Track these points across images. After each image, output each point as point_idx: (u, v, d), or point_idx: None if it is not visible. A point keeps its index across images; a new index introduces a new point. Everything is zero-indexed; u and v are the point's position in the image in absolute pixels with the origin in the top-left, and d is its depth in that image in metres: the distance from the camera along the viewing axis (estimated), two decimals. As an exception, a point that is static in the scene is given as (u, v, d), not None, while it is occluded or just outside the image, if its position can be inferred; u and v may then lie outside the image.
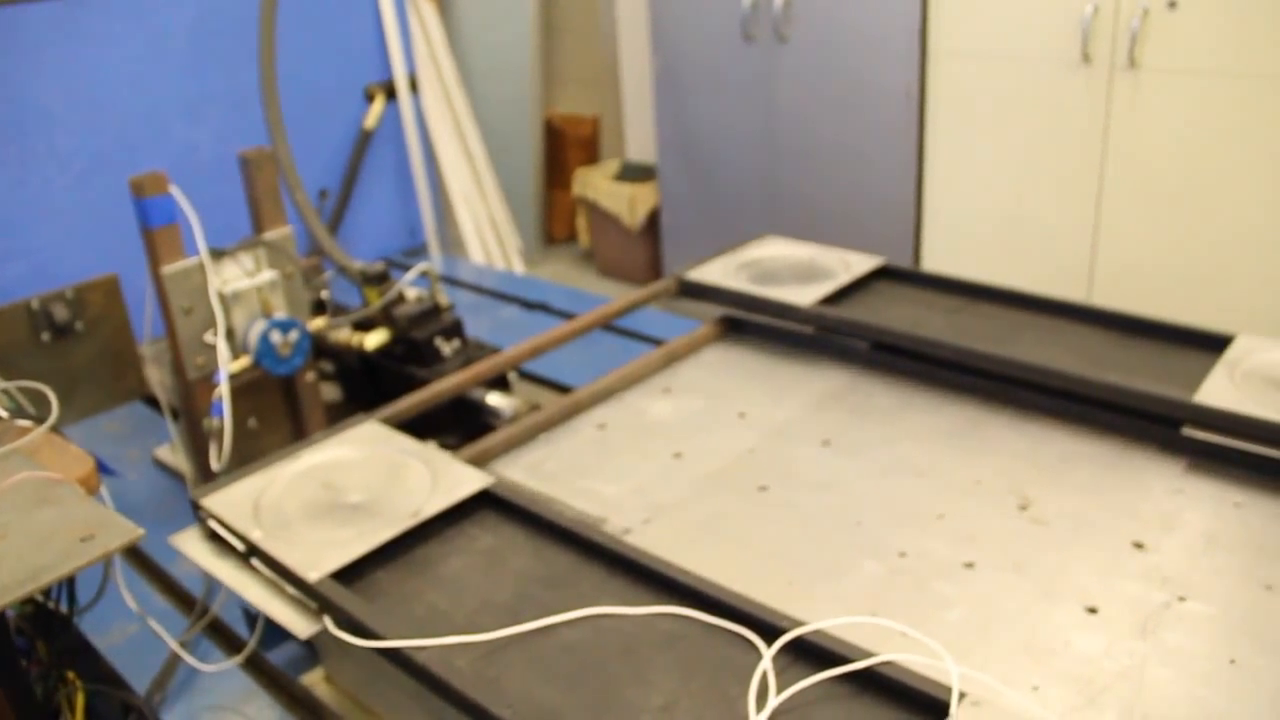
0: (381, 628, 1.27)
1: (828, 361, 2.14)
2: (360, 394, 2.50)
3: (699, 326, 2.30)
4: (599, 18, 5.11)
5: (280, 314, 2.11)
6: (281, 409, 2.23)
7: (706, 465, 1.82)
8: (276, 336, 2.07)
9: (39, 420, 1.52)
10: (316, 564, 1.38)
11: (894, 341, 2.03)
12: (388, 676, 1.38)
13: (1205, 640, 1.34)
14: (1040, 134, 3.32)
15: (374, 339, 2.36)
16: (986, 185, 3.51)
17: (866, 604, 1.44)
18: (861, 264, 2.29)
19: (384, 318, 2.38)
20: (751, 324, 2.28)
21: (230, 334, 2.06)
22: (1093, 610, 1.41)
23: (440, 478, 1.56)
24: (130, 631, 1.86)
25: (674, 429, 1.94)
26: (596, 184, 4.97)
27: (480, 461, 1.84)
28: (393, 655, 1.25)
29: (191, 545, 1.52)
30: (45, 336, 2.45)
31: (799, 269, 2.30)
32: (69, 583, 1.50)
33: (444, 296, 2.45)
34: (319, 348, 2.35)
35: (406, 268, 2.54)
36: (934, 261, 3.71)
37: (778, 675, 1.17)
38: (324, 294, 2.46)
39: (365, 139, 3.78)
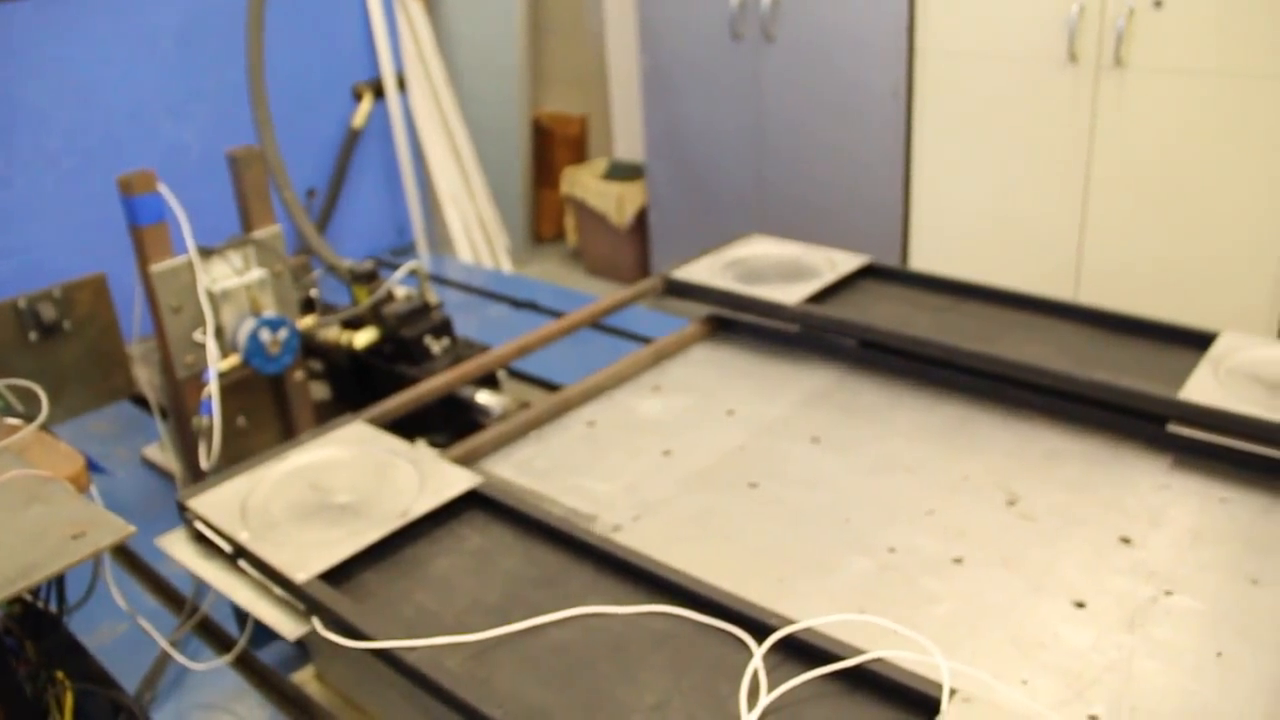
0: (371, 629, 1.26)
1: (816, 359, 2.15)
2: (349, 392, 2.49)
3: (687, 325, 2.31)
4: (587, 17, 5.12)
5: (269, 312, 2.11)
6: (270, 408, 2.23)
7: (696, 462, 1.82)
8: (266, 335, 2.07)
9: (28, 419, 1.52)
10: (304, 565, 1.38)
11: (882, 340, 2.04)
12: (378, 675, 1.38)
13: (1192, 634, 1.35)
14: (1027, 133, 3.34)
15: (363, 337, 2.36)
16: (974, 184, 3.53)
17: (856, 600, 1.45)
18: (847, 262, 2.30)
19: (373, 316, 2.38)
20: (740, 322, 2.29)
21: (219, 332, 2.06)
22: (1080, 605, 1.42)
23: (428, 478, 1.56)
24: (120, 630, 1.85)
25: (663, 426, 1.95)
26: (584, 183, 4.98)
27: (470, 459, 1.84)
28: (383, 656, 1.25)
29: (178, 547, 1.51)
30: (32, 336, 2.44)
31: (785, 268, 2.31)
32: (58, 582, 1.50)
33: (433, 295, 2.45)
34: (308, 346, 2.35)
35: (394, 267, 2.54)
36: (922, 260, 3.73)
37: (769, 673, 1.17)
38: (313, 292, 2.45)
39: (353, 138, 3.77)
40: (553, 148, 5.35)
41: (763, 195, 4.12)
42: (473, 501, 1.55)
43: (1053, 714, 1.23)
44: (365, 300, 2.37)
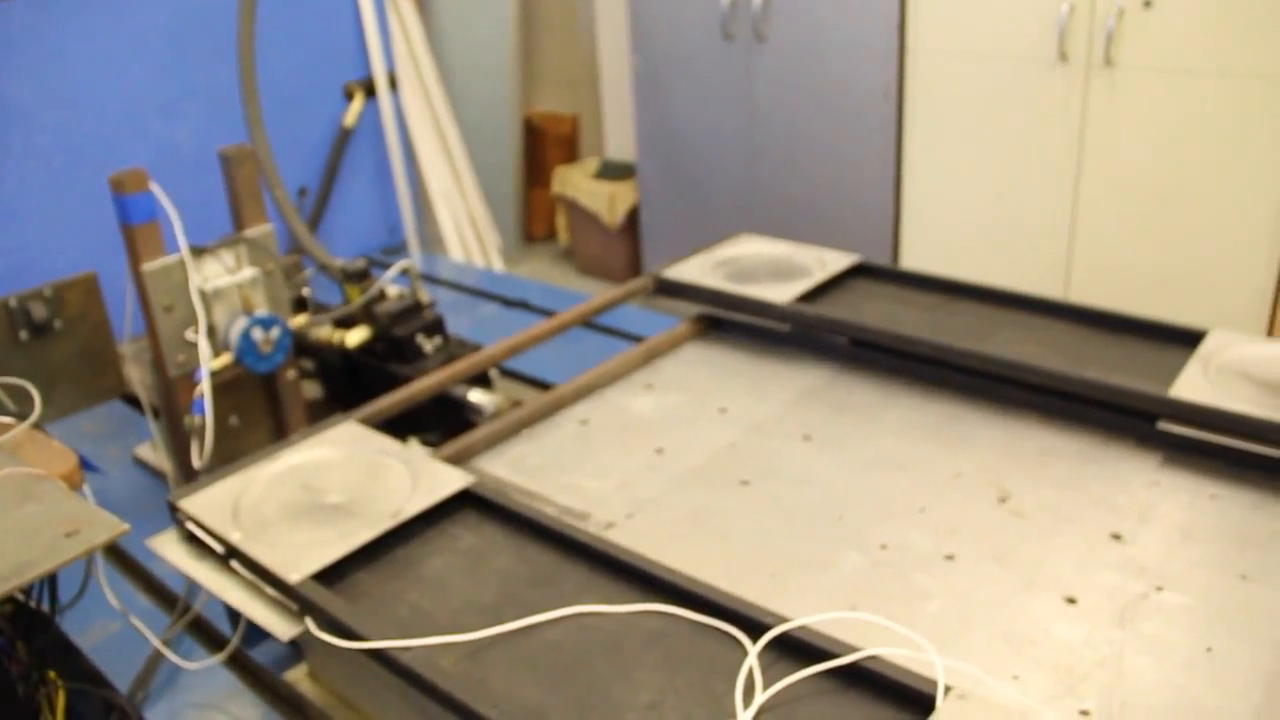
0: (365, 629, 1.26)
1: (808, 358, 2.16)
2: (341, 391, 2.49)
3: (678, 324, 2.31)
4: (578, 16, 5.11)
5: (261, 311, 2.11)
6: (263, 406, 2.23)
7: (688, 460, 1.83)
8: (258, 334, 2.07)
9: (21, 417, 1.52)
10: (297, 565, 1.37)
11: (873, 338, 2.04)
12: (371, 672, 1.38)
13: (1182, 629, 1.36)
14: (1017, 132, 3.35)
15: (355, 336, 2.36)
16: (964, 183, 3.54)
17: (849, 597, 1.46)
18: (837, 261, 2.31)
19: (365, 315, 2.38)
20: (731, 321, 2.29)
21: (211, 331, 2.06)
22: (1072, 601, 1.42)
23: (420, 478, 1.56)
24: (112, 630, 1.85)
25: (656, 424, 1.95)
26: (576, 182, 4.97)
27: (463, 457, 1.85)
28: (378, 656, 1.25)
29: (170, 548, 1.51)
30: (23, 335, 2.44)
31: (775, 267, 2.31)
32: (50, 581, 1.49)
33: (425, 294, 2.45)
34: (300, 345, 2.35)
35: (386, 266, 2.54)
36: (913, 259, 3.74)
37: (764, 671, 1.18)
38: (305, 291, 2.45)
39: (344, 137, 3.77)
40: (544, 147, 5.35)
41: (754, 194, 4.12)
42: (465, 501, 1.55)
43: (1045, 709, 1.23)
44: (357, 299, 2.37)
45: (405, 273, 2.44)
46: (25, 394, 1.57)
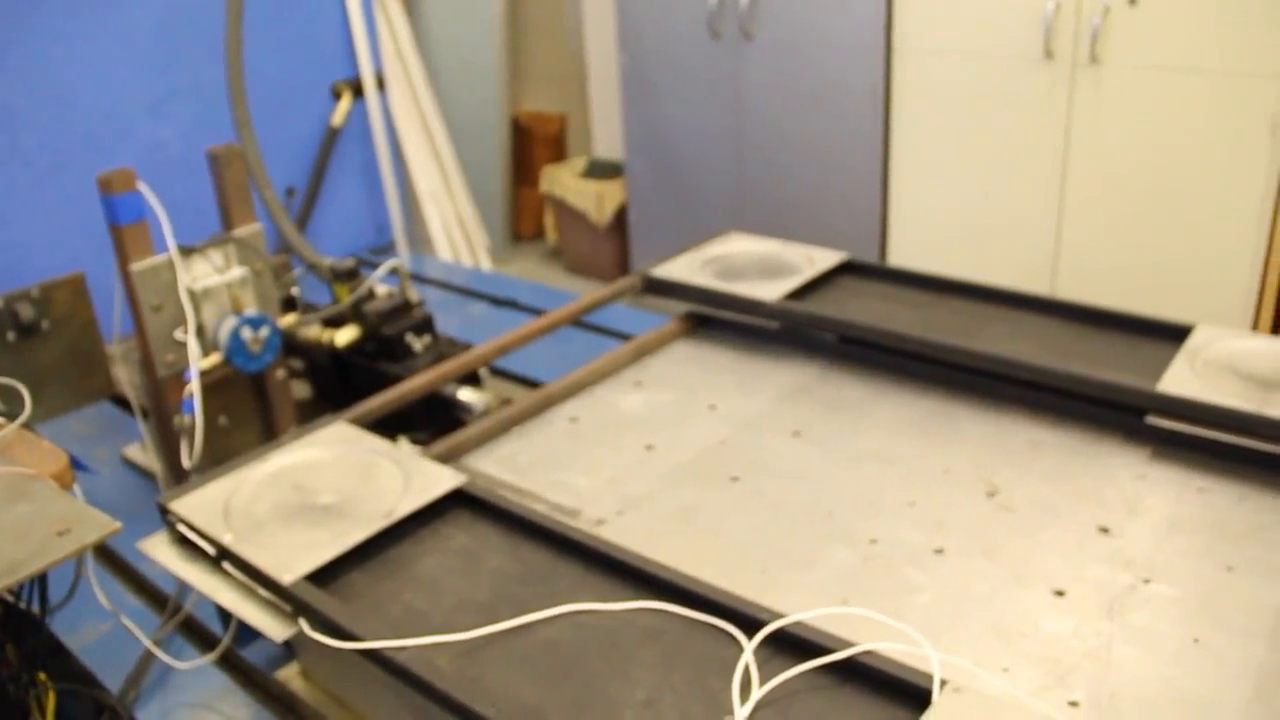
0: (359, 629, 1.26)
1: (796, 355, 2.16)
2: (331, 391, 2.49)
3: (667, 322, 2.32)
4: (565, 16, 5.12)
5: (250, 310, 2.11)
6: (252, 406, 2.23)
7: (678, 457, 1.83)
8: (247, 333, 2.07)
9: (11, 416, 1.51)
10: (290, 566, 1.37)
11: (861, 335, 2.05)
12: (364, 671, 1.38)
13: (1170, 621, 1.37)
14: (1004, 130, 3.37)
15: (345, 335, 2.36)
16: (951, 181, 3.55)
17: (839, 591, 1.46)
18: (825, 259, 2.32)
19: (354, 314, 2.38)
20: (720, 319, 2.30)
21: (200, 331, 2.05)
22: (1060, 593, 1.43)
23: (412, 477, 1.56)
24: (103, 630, 1.84)
25: (645, 422, 1.96)
26: (564, 181, 4.98)
27: (453, 455, 1.85)
28: (373, 656, 1.25)
29: (161, 551, 1.50)
30: (10, 336, 2.43)
31: (763, 264, 2.32)
32: (40, 582, 1.49)
33: (414, 293, 2.45)
34: (289, 344, 2.35)
35: (374, 265, 2.54)
36: (900, 257, 3.75)
37: (760, 667, 1.18)
38: (294, 291, 2.45)
39: (332, 136, 3.77)
40: (532, 146, 5.35)
41: (742, 193, 4.13)
42: (458, 500, 1.55)
43: (1036, 701, 1.24)
44: (346, 298, 2.37)
45: (394, 272, 2.44)
46: (15, 394, 1.57)
